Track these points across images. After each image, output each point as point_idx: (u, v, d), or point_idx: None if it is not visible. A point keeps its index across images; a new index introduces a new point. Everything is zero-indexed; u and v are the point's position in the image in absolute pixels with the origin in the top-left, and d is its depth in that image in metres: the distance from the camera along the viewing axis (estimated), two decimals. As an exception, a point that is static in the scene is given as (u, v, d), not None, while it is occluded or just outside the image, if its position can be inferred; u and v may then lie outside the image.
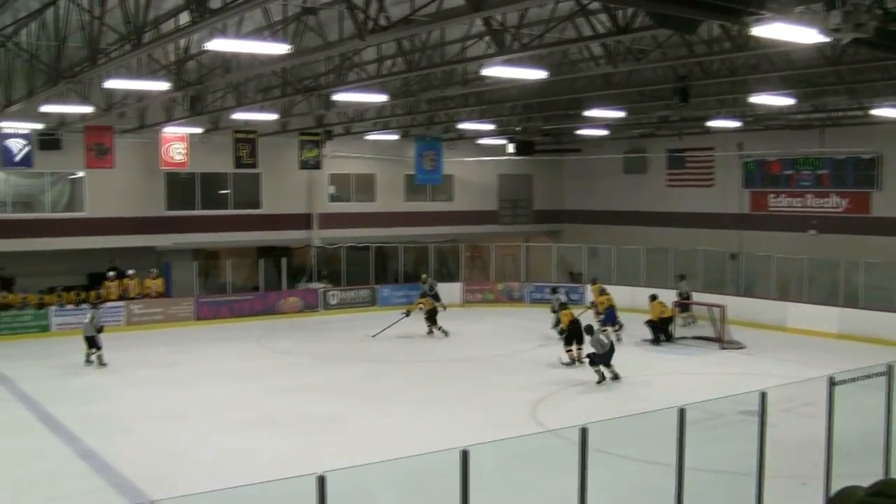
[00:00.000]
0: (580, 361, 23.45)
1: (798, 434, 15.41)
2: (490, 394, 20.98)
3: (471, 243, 40.20)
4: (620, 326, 27.53)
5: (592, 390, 21.27)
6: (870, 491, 1.72)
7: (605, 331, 26.57)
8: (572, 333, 24.02)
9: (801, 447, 14.75)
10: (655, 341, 27.35)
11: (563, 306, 26.56)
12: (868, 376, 12.53)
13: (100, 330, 24.46)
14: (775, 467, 11.98)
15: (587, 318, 26.42)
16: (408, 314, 29.09)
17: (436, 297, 31.25)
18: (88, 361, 24.22)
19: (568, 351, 23.89)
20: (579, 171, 42.24)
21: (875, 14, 10.43)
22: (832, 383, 11.70)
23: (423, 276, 34.14)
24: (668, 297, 29.34)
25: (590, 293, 30.23)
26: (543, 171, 42.70)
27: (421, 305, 29.35)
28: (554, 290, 30.05)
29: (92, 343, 24.27)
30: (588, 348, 22.61)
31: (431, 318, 29.12)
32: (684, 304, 30.37)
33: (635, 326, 27.98)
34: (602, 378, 21.58)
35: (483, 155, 40.08)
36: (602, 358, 21.65)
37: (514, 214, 42.68)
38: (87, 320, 24.80)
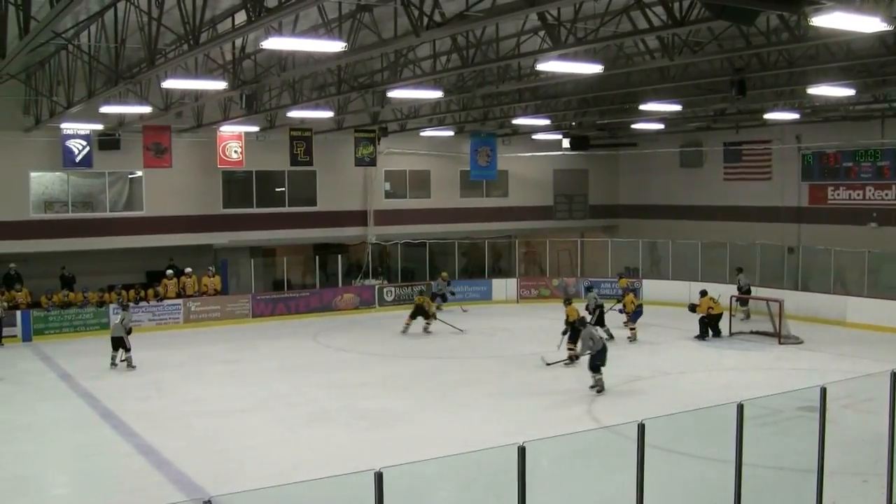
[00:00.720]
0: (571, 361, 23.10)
1: (858, 430, 15.26)
2: (547, 390, 20.91)
3: (526, 239, 40.18)
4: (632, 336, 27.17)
5: (648, 387, 21.13)
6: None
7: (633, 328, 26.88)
8: (575, 330, 23.12)
9: (862, 444, 14.60)
10: (701, 336, 27.18)
11: (598, 306, 26.98)
12: (932, 371, 12.32)
13: (129, 331, 24.22)
14: (835, 464, 11.83)
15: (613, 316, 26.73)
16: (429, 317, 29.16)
17: (443, 298, 31.91)
18: (113, 364, 23.85)
19: (570, 349, 23.37)
20: (635, 165, 41.99)
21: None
22: (895, 378, 11.51)
23: (444, 273, 34.19)
24: (727, 291, 29.15)
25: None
26: (599, 165, 42.51)
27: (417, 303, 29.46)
28: (589, 289, 29.81)
29: (119, 344, 23.83)
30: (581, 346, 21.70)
31: (416, 314, 29.04)
32: (743, 299, 30.07)
33: (682, 321, 27.99)
34: (601, 388, 20.39)
35: (538, 150, 40.08)
36: (598, 358, 20.49)
37: (570, 210, 42.48)
38: (117, 321, 24.78)
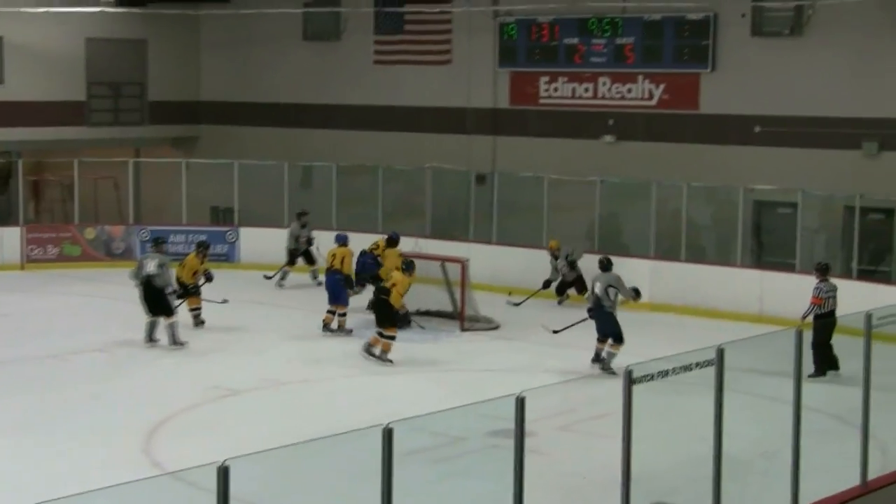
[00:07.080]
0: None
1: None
2: (83, 415, 20.39)
3: (38, 159, 39.58)
4: None
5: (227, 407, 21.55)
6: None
7: None
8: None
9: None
10: None
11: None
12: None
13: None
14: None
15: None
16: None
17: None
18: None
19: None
20: (228, 36, 41.19)
21: None
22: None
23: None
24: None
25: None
26: (166, 35, 41.21)
27: None
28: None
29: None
30: None
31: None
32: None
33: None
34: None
35: (59, 5, 37.72)
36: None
37: (116, 110, 41.19)
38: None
